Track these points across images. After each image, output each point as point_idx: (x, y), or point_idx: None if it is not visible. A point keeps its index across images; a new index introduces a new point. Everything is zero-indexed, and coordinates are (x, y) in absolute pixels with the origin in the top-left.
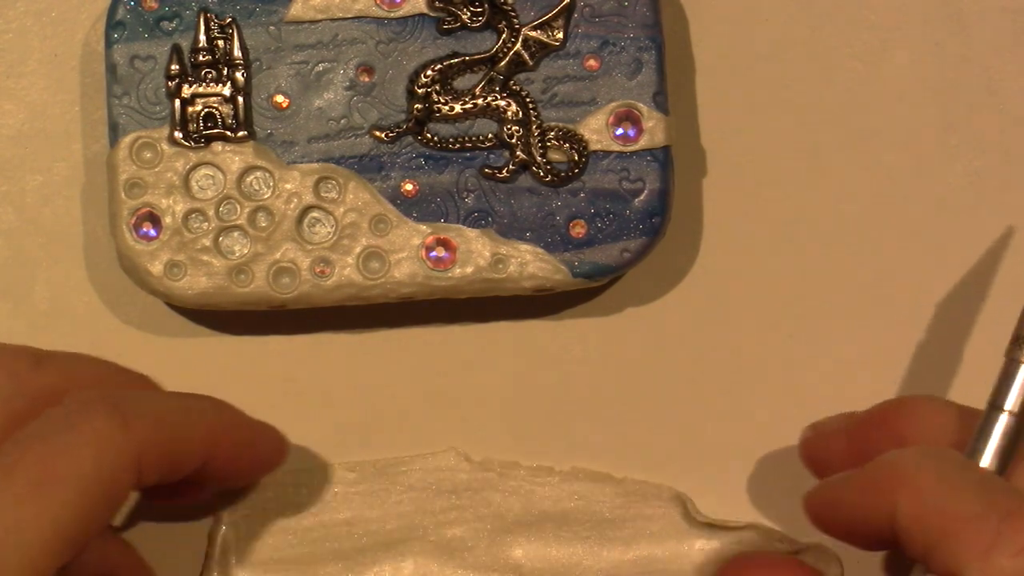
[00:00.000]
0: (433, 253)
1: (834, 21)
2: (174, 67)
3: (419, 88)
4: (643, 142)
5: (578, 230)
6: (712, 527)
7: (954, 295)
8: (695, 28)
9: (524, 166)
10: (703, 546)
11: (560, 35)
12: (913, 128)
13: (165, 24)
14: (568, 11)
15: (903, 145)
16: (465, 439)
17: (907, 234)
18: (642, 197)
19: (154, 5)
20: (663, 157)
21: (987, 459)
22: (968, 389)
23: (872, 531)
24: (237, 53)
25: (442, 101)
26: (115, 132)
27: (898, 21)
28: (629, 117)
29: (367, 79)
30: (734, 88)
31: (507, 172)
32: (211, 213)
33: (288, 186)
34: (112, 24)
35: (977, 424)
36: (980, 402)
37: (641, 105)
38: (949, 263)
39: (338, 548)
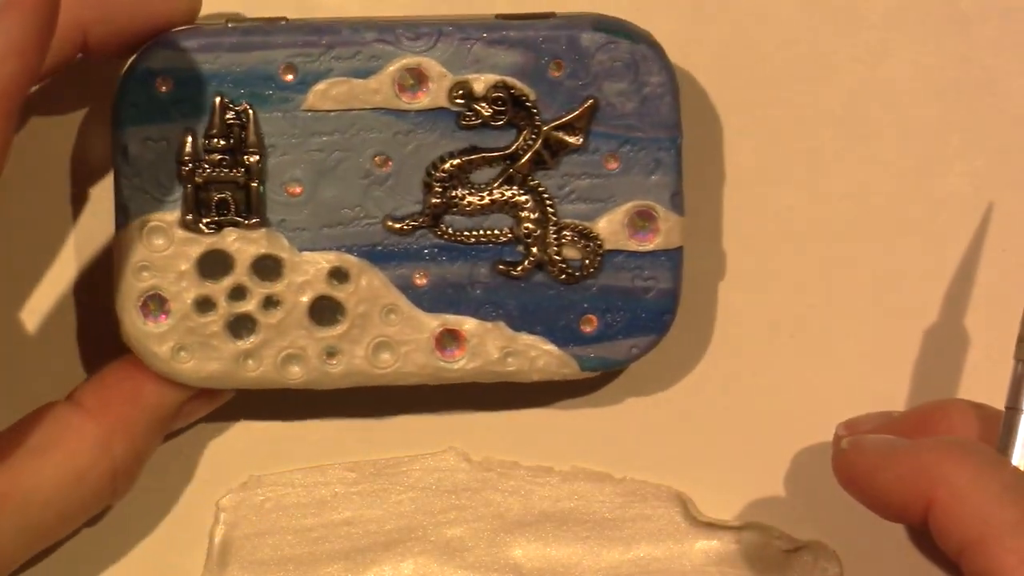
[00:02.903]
0: (442, 344)
1: (834, 21)
2: (187, 151)
3: (436, 181)
4: (658, 242)
5: (588, 326)
6: (712, 527)
7: (954, 295)
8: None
9: (539, 264)
10: (703, 546)
11: (582, 137)
12: (913, 128)
13: (179, 106)
14: (592, 112)
15: (903, 145)
16: (465, 439)
17: (907, 234)
18: (653, 295)
19: (168, 87)
20: (676, 257)
21: (1016, 458)
22: (969, 389)
23: (903, 513)
24: (252, 139)
25: (460, 195)
26: (124, 214)
27: (898, 21)
28: (645, 217)
29: (383, 169)
30: (732, 84)
31: (522, 270)
32: (221, 300)
33: (299, 275)
34: (124, 104)
35: (1000, 425)
36: (981, 400)
37: (658, 206)
38: (949, 263)
39: (338, 548)
